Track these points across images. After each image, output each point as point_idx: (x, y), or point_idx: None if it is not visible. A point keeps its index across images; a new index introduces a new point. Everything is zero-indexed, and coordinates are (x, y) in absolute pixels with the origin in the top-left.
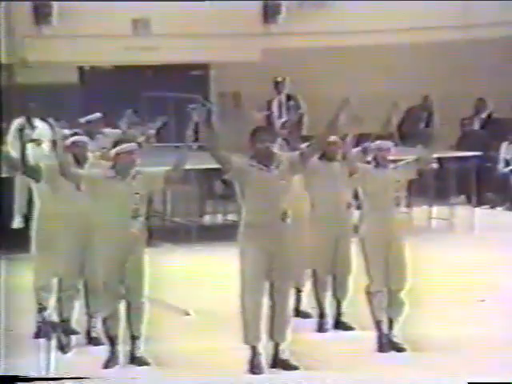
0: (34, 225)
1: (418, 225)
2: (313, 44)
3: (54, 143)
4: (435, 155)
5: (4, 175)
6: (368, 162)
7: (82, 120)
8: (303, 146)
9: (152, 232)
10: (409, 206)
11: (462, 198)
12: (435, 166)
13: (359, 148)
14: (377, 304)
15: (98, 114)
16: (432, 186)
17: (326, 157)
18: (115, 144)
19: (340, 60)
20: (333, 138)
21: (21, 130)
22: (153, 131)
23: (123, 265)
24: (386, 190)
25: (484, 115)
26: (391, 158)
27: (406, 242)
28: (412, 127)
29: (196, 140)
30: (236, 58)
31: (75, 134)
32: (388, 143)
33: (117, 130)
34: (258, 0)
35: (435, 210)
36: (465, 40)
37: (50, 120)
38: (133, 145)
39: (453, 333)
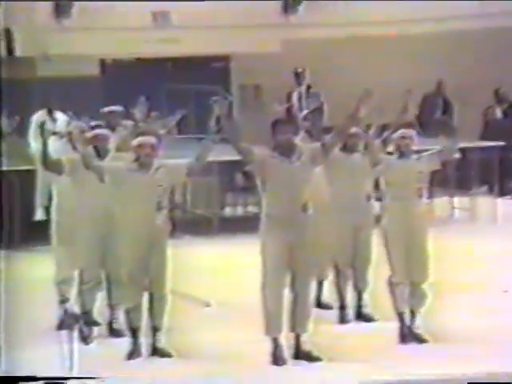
0: (53, 218)
1: (440, 215)
2: (333, 34)
3: (69, 135)
4: (458, 145)
5: (27, 167)
6: (389, 153)
7: (105, 109)
8: (326, 137)
9: (175, 224)
10: (430, 196)
11: (484, 188)
12: (457, 156)
13: (379, 139)
14: (399, 295)
15: (118, 107)
16: (454, 177)
17: (346, 148)
18: (136, 135)
19: (360, 50)
20: (354, 130)
21: (42, 124)
22: (173, 123)
23: (147, 257)
24: (409, 181)
25: (505, 104)
26: (415, 148)
27: (428, 232)
28: (429, 116)
29: (218, 132)
30: (256, 49)
31: (97, 126)
32: (411, 131)
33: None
34: None
35: (457, 200)
36: (483, 29)
37: (69, 113)
38: (152, 138)
39: (475, 324)
